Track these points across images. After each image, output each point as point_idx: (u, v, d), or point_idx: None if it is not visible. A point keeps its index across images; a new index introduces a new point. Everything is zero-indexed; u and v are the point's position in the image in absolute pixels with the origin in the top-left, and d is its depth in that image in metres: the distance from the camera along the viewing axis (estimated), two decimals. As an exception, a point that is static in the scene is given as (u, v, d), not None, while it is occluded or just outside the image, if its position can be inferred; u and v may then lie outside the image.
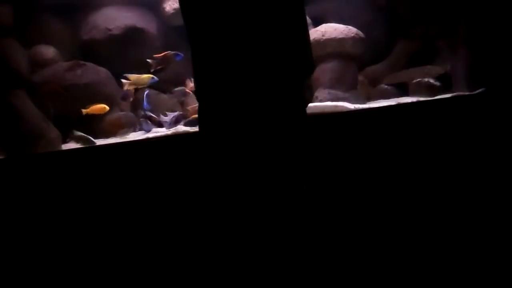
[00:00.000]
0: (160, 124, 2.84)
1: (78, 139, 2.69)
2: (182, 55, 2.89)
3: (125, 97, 2.97)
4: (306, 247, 1.75)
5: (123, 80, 2.91)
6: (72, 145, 2.71)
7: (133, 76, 2.91)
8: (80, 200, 2.32)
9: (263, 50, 1.68)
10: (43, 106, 2.71)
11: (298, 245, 1.75)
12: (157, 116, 2.89)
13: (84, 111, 2.81)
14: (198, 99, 1.83)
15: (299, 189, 1.77)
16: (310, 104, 2.54)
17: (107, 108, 2.86)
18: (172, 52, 2.92)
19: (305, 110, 1.83)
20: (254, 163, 1.73)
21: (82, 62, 2.97)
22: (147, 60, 2.92)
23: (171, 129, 2.77)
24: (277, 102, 1.71)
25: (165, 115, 2.85)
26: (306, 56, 1.80)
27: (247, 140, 1.73)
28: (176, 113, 2.85)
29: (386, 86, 3.29)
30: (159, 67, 2.94)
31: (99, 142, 2.74)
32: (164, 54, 2.92)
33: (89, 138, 2.68)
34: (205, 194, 1.92)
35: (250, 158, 1.73)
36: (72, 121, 2.83)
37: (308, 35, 1.82)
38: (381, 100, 3.13)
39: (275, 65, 1.70)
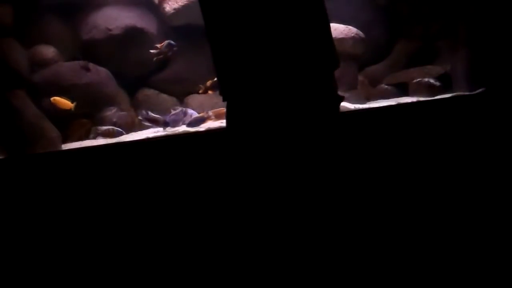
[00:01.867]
0: (165, 123, 2.83)
1: (106, 135, 2.68)
2: (174, 43, 2.98)
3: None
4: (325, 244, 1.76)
5: None
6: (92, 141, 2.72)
7: None
8: (80, 200, 2.32)
9: (287, 45, 1.66)
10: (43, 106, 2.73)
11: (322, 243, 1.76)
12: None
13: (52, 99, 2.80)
14: (225, 99, 1.80)
15: (327, 186, 1.76)
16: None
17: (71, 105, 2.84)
18: (166, 41, 3.00)
19: (338, 107, 1.81)
20: (283, 161, 1.72)
21: (90, 66, 2.98)
22: (150, 51, 2.98)
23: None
24: (306, 98, 1.69)
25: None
26: (330, 50, 1.78)
27: (276, 138, 1.71)
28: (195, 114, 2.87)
29: (386, 86, 3.30)
30: (161, 56, 3.01)
31: (100, 142, 2.74)
32: (161, 44, 3.01)
33: (118, 130, 2.68)
34: (231, 190, 1.90)
35: (279, 155, 1.72)
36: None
37: (330, 29, 1.80)
38: (381, 100, 3.13)
39: (301, 60, 1.68)
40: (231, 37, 1.70)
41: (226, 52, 1.72)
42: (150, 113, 2.87)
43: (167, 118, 2.83)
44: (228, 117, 1.78)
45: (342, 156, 1.84)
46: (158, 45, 3.00)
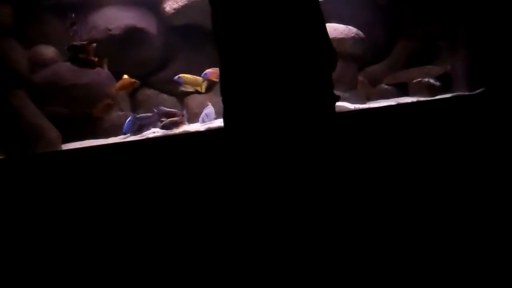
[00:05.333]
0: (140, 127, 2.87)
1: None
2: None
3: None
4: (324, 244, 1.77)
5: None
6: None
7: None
8: (80, 200, 2.32)
9: (285, 46, 1.70)
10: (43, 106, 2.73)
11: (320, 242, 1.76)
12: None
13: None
14: (224, 98, 1.83)
15: (325, 185, 1.78)
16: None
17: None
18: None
19: (333, 107, 1.83)
20: (280, 160, 1.74)
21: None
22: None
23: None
24: (303, 98, 1.73)
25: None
26: (329, 52, 1.81)
27: (273, 137, 1.73)
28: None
29: (386, 86, 3.30)
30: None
31: (100, 142, 2.74)
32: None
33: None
34: (227, 189, 1.92)
35: (276, 154, 1.73)
36: (73, 121, 2.85)
37: (326, 32, 1.83)
38: (381, 100, 3.13)
39: (299, 61, 1.72)
40: (235, 40, 1.74)
41: (230, 54, 1.76)
42: (164, 108, 2.87)
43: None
44: (225, 116, 1.81)
45: (339, 155, 1.85)
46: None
